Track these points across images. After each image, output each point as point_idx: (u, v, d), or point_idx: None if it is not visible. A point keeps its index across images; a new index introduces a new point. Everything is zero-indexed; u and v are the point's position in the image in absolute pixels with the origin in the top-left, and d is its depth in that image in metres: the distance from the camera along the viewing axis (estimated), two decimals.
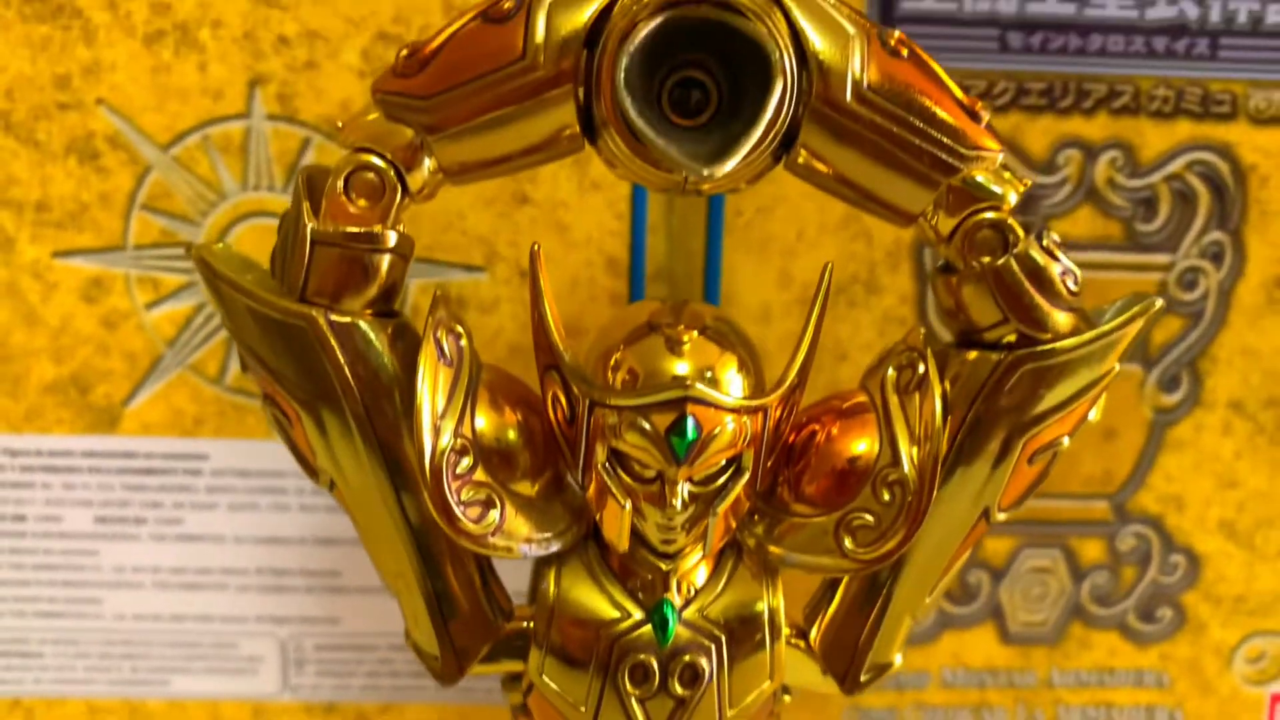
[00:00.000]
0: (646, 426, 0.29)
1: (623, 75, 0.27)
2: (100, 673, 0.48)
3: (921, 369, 0.31)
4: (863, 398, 0.32)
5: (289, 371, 0.30)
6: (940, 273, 0.31)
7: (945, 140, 0.29)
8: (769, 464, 0.32)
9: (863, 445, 0.31)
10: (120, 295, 0.44)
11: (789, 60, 0.27)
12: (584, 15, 0.28)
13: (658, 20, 0.27)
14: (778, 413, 0.31)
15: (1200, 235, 0.44)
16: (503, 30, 0.28)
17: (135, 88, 0.42)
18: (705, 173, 0.27)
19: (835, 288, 0.44)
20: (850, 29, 0.29)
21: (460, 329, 0.31)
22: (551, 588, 0.32)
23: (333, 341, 0.30)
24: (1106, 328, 0.31)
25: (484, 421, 0.31)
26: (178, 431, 0.45)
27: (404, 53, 0.29)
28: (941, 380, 0.31)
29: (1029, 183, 0.31)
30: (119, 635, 0.47)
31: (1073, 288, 0.30)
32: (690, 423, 0.28)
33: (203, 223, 0.44)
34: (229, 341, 0.44)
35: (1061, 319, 0.31)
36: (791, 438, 0.32)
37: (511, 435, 0.31)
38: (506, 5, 0.29)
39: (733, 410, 0.29)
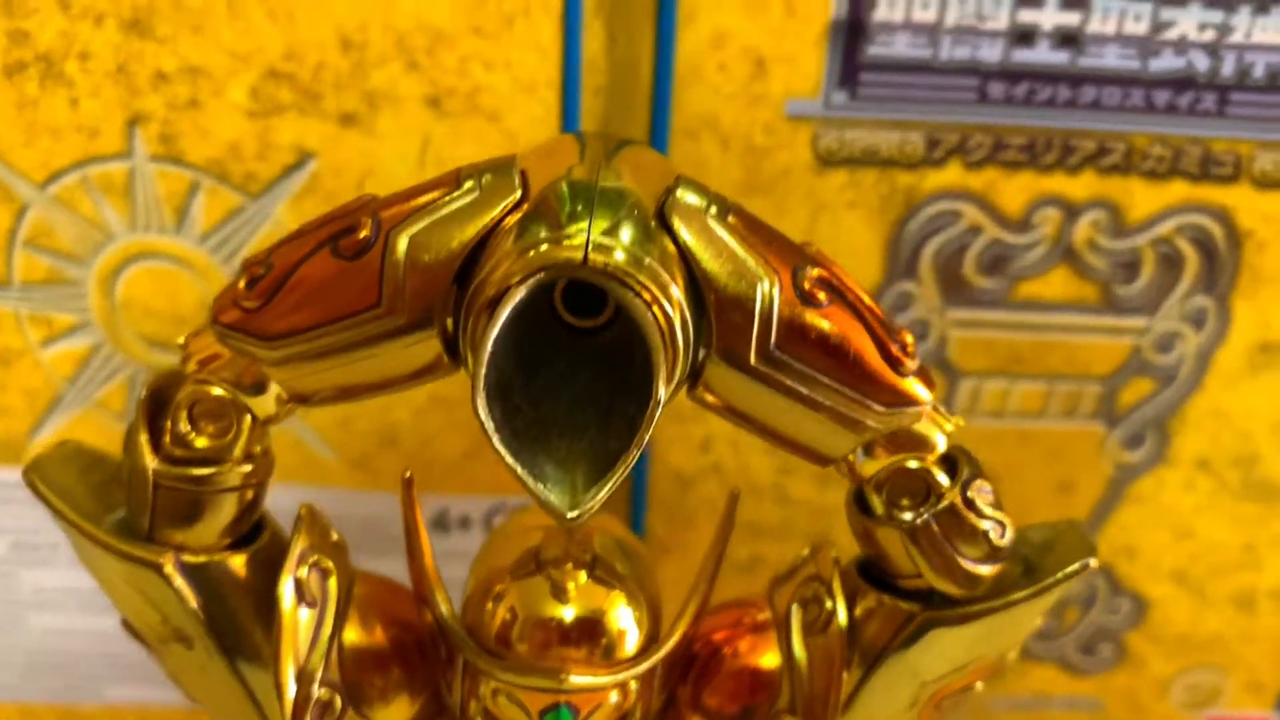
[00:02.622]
0: (522, 702, 0.24)
1: (484, 372, 0.21)
2: (31, 681, 0.45)
3: (829, 605, 0.26)
4: (768, 615, 0.27)
5: (141, 611, 0.26)
6: (856, 506, 0.26)
7: (863, 400, 0.23)
8: (665, 682, 0.27)
9: (769, 662, 0.27)
10: (12, 333, 0.39)
11: (678, 346, 0.22)
12: (450, 253, 0.22)
13: (530, 283, 0.21)
14: (673, 650, 0.26)
15: (1184, 299, 0.38)
16: (356, 269, 0.22)
17: (1, 123, 0.35)
18: (570, 515, 0.21)
19: None
20: (759, 276, 0.22)
21: (325, 561, 0.26)
22: None
23: (184, 586, 0.25)
24: (1031, 590, 0.26)
25: (355, 641, 0.26)
26: None
27: (242, 282, 0.23)
28: (850, 615, 0.26)
29: (960, 421, 0.25)
30: (47, 647, 0.44)
31: (1000, 541, 0.25)
32: (567, 710, 0.24)
33: (92, 261, 0.38)
34: (132, 379, 0.39)
35: (984, 571, 0.26)
36: (695, 647, 0.28)
37: (385, 657, 0.27)
38: (362, 234, 0.22)
39: (616, 684, 0.25)
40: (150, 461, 0.24)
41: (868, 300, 0.24)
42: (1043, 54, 0.34)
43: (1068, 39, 0.34)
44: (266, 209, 0.37)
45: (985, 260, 0.37)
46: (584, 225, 0.22)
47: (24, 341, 0.39)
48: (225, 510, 0.25)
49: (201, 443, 0.25)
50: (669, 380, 0.22)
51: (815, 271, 0.23)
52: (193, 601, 0.25)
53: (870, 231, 0.37)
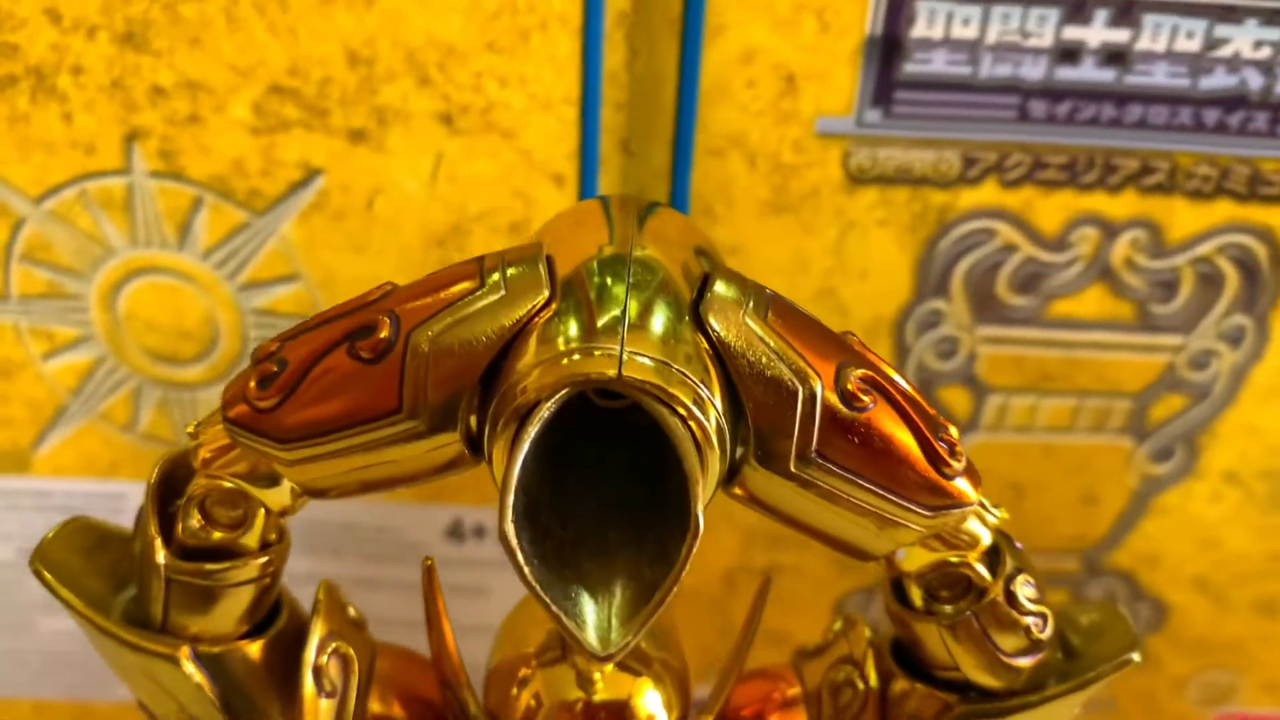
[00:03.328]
0: None
1: (512, 499, 0.19)
2: (45, 679, 0.44)
3: (861, 688, 0.25)
4: (798, 690, 0.26)
5: (157, 697, 0.25)
6: (893, 595, 0.25)
7: (907, 504, 0.22)
8: None
9: None
10: (12, 345, 0.37)
11: (715, 459, 0.20)
12: (475, 359, 0.21)
13: (560, 398, 0.20)
14: None
15: (1223, 318, 0.36)
16: (375, 373, 0.21)
17: None
18: (603, 655, 0.20)
19: None
20: (800, 379, 0.21)
21: (345, 647, 0.25)
22: None
23: (201, 677, 0.24)
24: (1071, 685, 0.25)
25: (377, 718, 0.25)
26: (94, 473, 0.40)
27: (253, 381, 0.22)
28: (883, 702, 0.25)
29: (1005, 515, 0.24)
30: (59, 648, 0.44)
31: (1041, 635, 0.24)
32: None
33: (93, 276, 0.36)
34: (137, 391, 0.38)
35: (1024, 664, 0.24)
36: None
37: None
38: (381, 334, 0.21)
39: None
40: (162, 557, 0.23)
41: (914, 395, 0.23)
42: (1087, 72, 0.32)
43: (1114, 56, 0.32)
44: (272, 226, 0.35)
45: (1019, 279, 0.36)
46: (616, 328, 0.20)
47: (25, 354, 0.37)
48: (241, 601, 0.24)
49: (216, 535, 0.23)
50: (707, 496, 0.21)
51: (859, 371, 0.22)
52: (210, 691, 0.24)
53: (900, 250, 0.35)
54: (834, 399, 0.21)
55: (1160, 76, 0.32)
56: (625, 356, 0.20)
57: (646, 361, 0.20)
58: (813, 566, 0.41)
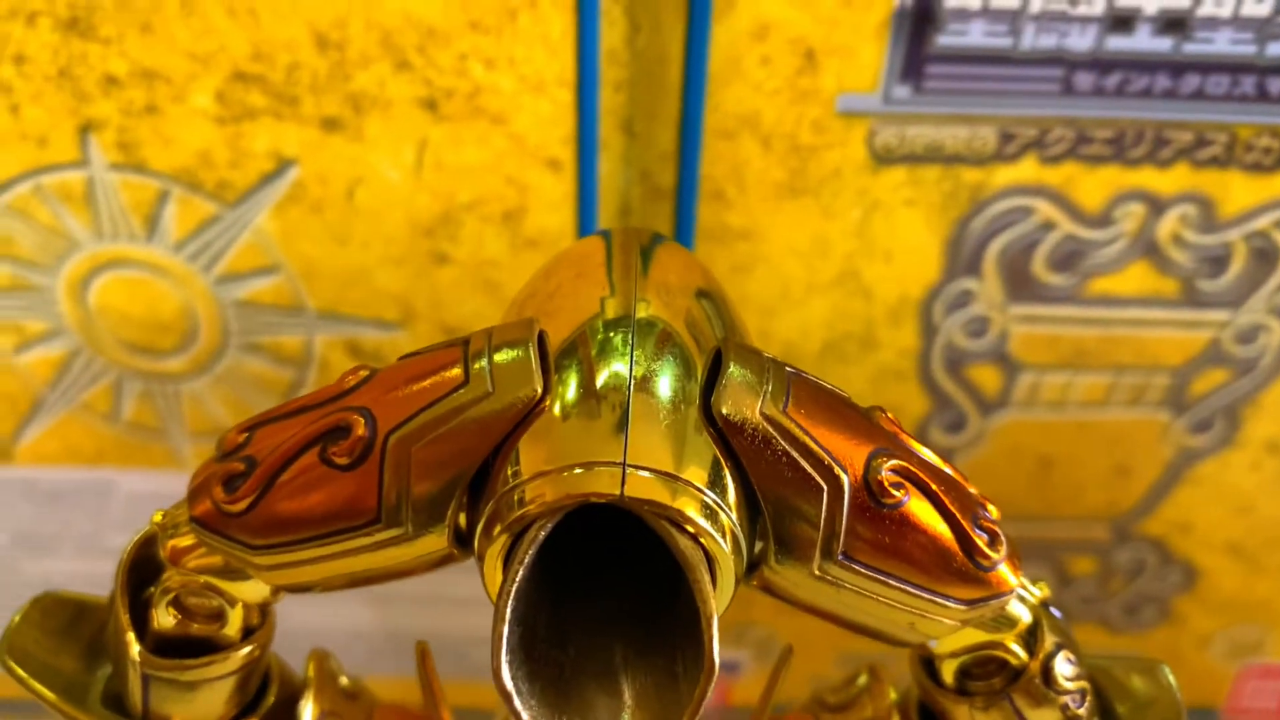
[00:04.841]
0: None
1: (505, 630, 0.17)
2: None
3: None
4: None
5: None
6: (923, 670, 0.23)
7: (942, 601, 0.20)
8: None
9: None
10: None
11: (730, 575, 0.18)
12: (460, 470, 0.18)
13: (558, 517, 0.17)
14: None
15: (1275, 292, 0.33)
16: (351, 480, 0.18)
17: None
18: None
19: (825, 345, 0.34)
20: (825, 479, 0.18)
21: (340, 714, 0.23)
22: None
23: None
24: None
25: None
26: (80, 462, 0.38)
27: (218, 485, 0.19)
28: None
29: (1046, 590, 0.22)
30: None
31: (1078, 712, 0.22)
32: None
33: (58, 269, 0.33)
34: (117, 382, 0.36)
35: None
36: None
37: None
38: (357, 433, 0.18)
39: None
40: (136, 653, 0.21)
41: (952, 477, 0.20)
42: (1141, 40, 0.29)
43: (1173, 24, 0.28)
44: (245, 218, 0.32)
45: (1057, 257, 0.33)
46: (619, 432, 0.18)
47: None
48: (225, 689, 0.22)
49: (194, 628, 0.21)
50: (723, 606, 0.18)
51: (891, 462, 0.19)
52: None
53: (929, 230, 0.32)
54: (863, 496, 0.19)
55: (1223, 44, 0.29)
56: (627, 473, 0.17)
57: (650, 476, 0.18)
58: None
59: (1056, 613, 0.23)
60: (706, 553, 0.18)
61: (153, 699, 0.22)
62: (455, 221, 0.32)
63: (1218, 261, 0.33)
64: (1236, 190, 0.31)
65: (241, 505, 0.19)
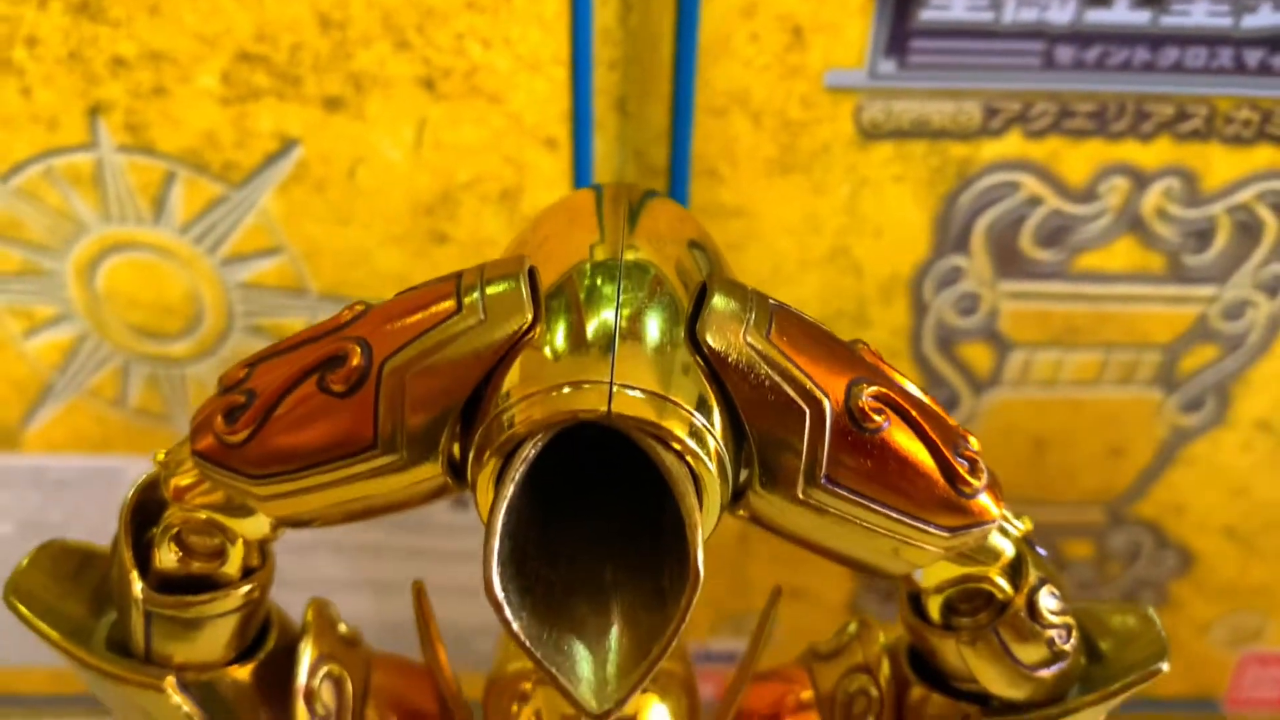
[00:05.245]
0: None
1: (497, 544, 0.18)
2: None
3: (875, 695, 0.24)
4: (810, 694, 0.25)
5: None
6: (910, 608, 0.23)
7: (925, 527, 0.20)
8: None
9: None
10: None
11: (716, 494, 0.18)
12: (453, 393, 0.19)
13: (548, 436, 0.18)
14: None
15: (1260, 267, 0.34)
16: (348, 407, 0.19)
17: None
18: (600, 710, 0.18)
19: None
20: (807, 402, 0.19)
21: (336, 668, 0.23)
22: None
23: (190, 708, 0.23)
24: (1095, 697, 0.23)
25: None
26: (87, 449, 0.38)
27: (219, 416, 0.20)
28: (898, 711, 0.24)
29: (1029, 525, 0.22)
30: None
31: (1064, 647, 0.22)
32: None
33: (67, 252, 0.34)
34: (124, 367, 0.36)
35: (1046, 675, 0.23)
36: None
37: None
38: (353, 362, 0.19)
39: None
40: (139, 590, 0.22)
41: (931, 407, 0.21)
42: (1119, 14, 0.29)
43: None
44: (251, 198, 0.32)
45: (1044, 232, 0.33)
46: (606, 354, 0.18)
47: (5, 333, 0.35)
48: (227, 628, 0.23)
49: (195, 566, 0.22)
50: (708, 530, 0.19)
51: (872, 388, 0.19)
52: (199, 718, 0.23)
53: (917, 205, 0.33)
54: (845, 420, 0.19)
55: (1199, 16, 0.29)
56: (615, 390, 0.18)
57: (638, 394, 0.18)
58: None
59: (1041, 550, 0.23)
60: (693, 473, 0.18)
61: (155, 639, 0.22)
62: (454, 200, 0.32)
63: (1202, 235, 0.33)
64: (1218, 163, 0.32)
65: (242, 435, 0.20)
